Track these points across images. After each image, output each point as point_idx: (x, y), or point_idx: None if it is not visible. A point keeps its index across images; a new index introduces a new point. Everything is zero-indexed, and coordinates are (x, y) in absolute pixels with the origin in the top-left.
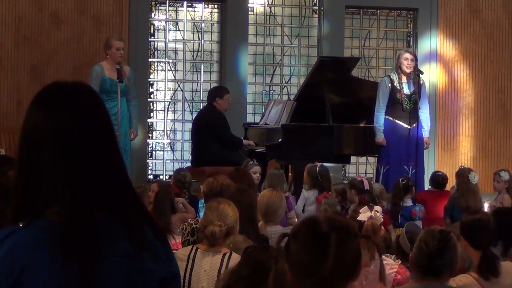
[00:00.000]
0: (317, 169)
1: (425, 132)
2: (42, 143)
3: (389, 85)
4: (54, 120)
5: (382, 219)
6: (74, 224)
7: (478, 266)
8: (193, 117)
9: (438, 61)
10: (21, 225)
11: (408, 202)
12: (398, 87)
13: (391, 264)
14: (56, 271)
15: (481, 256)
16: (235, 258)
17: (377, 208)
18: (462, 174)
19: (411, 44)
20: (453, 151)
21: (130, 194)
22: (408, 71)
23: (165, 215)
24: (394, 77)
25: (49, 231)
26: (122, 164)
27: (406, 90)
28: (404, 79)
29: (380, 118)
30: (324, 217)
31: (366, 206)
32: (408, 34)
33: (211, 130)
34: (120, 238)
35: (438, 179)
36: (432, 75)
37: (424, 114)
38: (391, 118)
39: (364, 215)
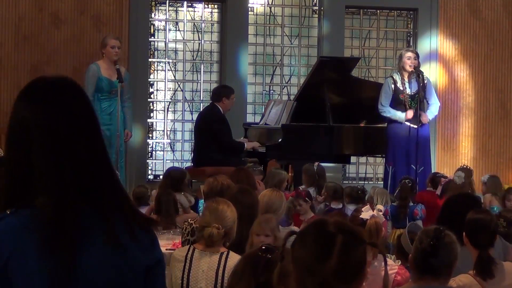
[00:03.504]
0: (315, 168)
1: (428, 112)
2: (31, 137)
3: (392, 86)
4: (42, 114)
5: (384, 218)
6: (60, 214)
7: (474, 266)
8: (193, 117)
9: (438, 61)
10: (8, 212)
11: (409, 202)
12: (401, 88)
13: (391, 265)
14: (42, 258)
15: (477, 256)
16: (233, 257)
17: (379, 207)
18: (454, 173)
19: (411, 44)
20: (453, 151)
21: (115, 186)
22: (411, 70)
23: (170, 215)
24: (397, 77)
25: (36, 219)
26: (107, 157)
27: (408, 90)
28: (406, 78)
29: (389, 109)
30: (333, 220)
31: (368, 205)
32: (408, 34)
33: (211, 133)
34: (107, 228)
35: (440, 180)
36: (432, 75)
37: (433, 104)
38: None
39: (366, 213)
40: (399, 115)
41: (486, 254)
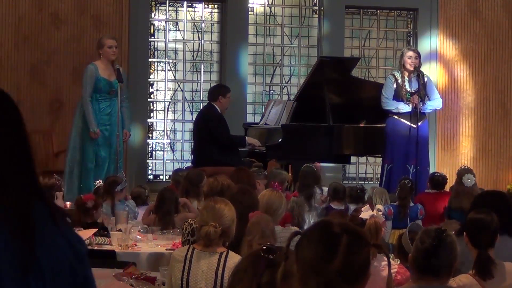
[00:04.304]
0: (302, 167)
1: (428, 104)
2: None
3: (394, 84)
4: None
5: (383, 218)
6: (23, 209)
7: (473, 266)
8: (193, 117)
9: (438, 61)
10: None
11: (410, 203)
12: (401, 86)
13: (391, 264)
14: (9, 246)
15: (476, 257)
16: (232, 257)
17: (379, 206)
18: (458, 175)
19: (411, 44)
20: (453, 151)
21: (40, 186)
22: (411, 69)
23: (169, 215)
24: (398, 75)
25: (2, 214)
26: (34, 160)
27: (408, 88)
28: (407, 77)
29: (392, 102)
30: (338, 221)
31: (367, 205)
32: (408, 34)
33: (210, 133)
34: (54, 219)
35: (438, 180)
36: (432, 75)
37: (436, 100)
38: (395, 117)
39: (366, 213)
40: (402, 106)
41: (486, 255)
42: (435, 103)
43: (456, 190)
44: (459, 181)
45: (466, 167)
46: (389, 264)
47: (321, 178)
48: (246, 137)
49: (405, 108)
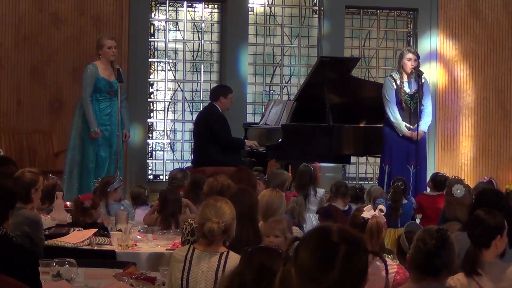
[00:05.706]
0: (300, 167)
1: (423, 125)
2: None
3: (394, 85)
4: None
5: (385, 218)
6: None
7: (462, 262)
8: (193, 117)
9: (438, 61)
10: None
11: (404, 200)
12: (400, 87)
13: (390, 264)
14: None
15: (465, 253)
16: (233, 257)
17: (381, 207)
18: (448, 186)
19: (411, 44)
20: (453, 151)
21: None
22: (410, 71)
23: (173, 216)
24: (397, 76)
25: None
26: None
27: (407, 89)
28: (405, 78)
29: (395, 112)
30: (337, 227)
31: (369, 205)
32: (408, 34)
33: (211, 133)
34: None
35: (441, 180)
36: (432, 75)
37: (426, 109)
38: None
39: (367, 213)
40: (400, 124)
41: (473, 251)
42: (427, 118)
43: (448, 200)
44: (449, 191)
45: (456, 177)
46: (386, 269)
47: (318, 179)
48: (246, 141)
49: (403, 131)
